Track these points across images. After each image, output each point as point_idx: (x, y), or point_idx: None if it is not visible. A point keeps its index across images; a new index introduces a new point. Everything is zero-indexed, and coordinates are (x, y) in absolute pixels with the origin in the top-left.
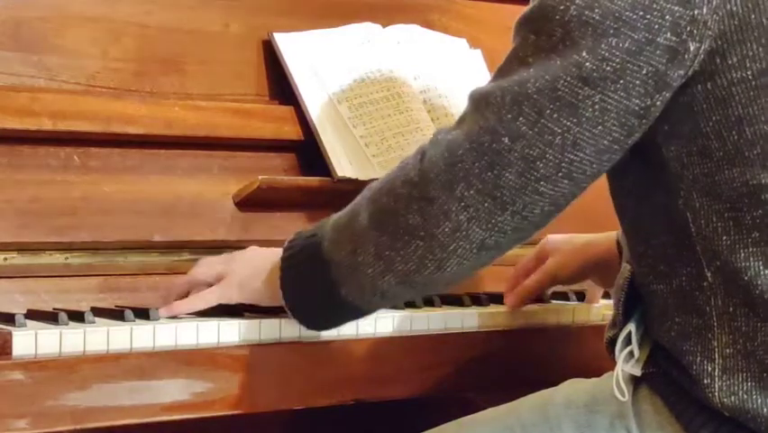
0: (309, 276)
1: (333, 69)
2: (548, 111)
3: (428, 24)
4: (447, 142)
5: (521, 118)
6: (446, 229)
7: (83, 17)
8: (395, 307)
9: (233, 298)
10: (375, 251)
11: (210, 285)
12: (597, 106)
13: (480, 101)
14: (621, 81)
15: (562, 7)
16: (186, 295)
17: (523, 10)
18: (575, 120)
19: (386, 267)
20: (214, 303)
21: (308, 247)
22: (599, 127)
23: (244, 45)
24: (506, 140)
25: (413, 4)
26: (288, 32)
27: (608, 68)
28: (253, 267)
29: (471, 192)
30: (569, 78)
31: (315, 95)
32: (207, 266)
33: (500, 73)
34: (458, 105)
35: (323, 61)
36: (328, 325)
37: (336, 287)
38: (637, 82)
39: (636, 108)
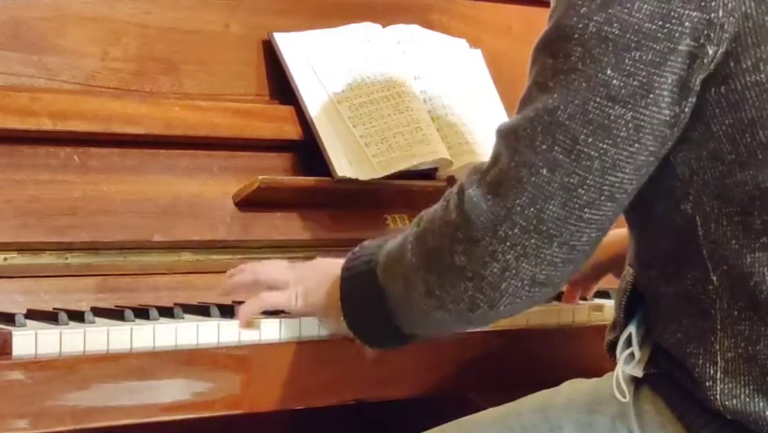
0: (367, 301)
1: (333, 69)
2: (582, 136)
3: (428, 24)
4: (487, 184)
5: (556, 147)
6: (495, 270)
7: (83, 17)
8: None
9: (297, 307)
10: (425, 289)
11: (270, 288)
12: (630, 125)
13: (509, 136)
14: (651, 95)
15: (580, 25)
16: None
17: (523, 10)
18: (610, 141)
19: (438, 304)
20: (278, 307)
21: (366, 273)
22: (636, 145)
23: (244, 45)
24: (544, 171)
25: (413, 4)
26: (288, 32)
27: (635, 82)
28: (318, 280)
29: (516, 231)
30: (598, 99)
31: (314, 95)
32: (274, 270)
33: (523, 104)
34: (458, 104)
35: (323, 61)
36: (388, 346)
37: (393, 317)
38: (665, 93)
39: (667, 119)
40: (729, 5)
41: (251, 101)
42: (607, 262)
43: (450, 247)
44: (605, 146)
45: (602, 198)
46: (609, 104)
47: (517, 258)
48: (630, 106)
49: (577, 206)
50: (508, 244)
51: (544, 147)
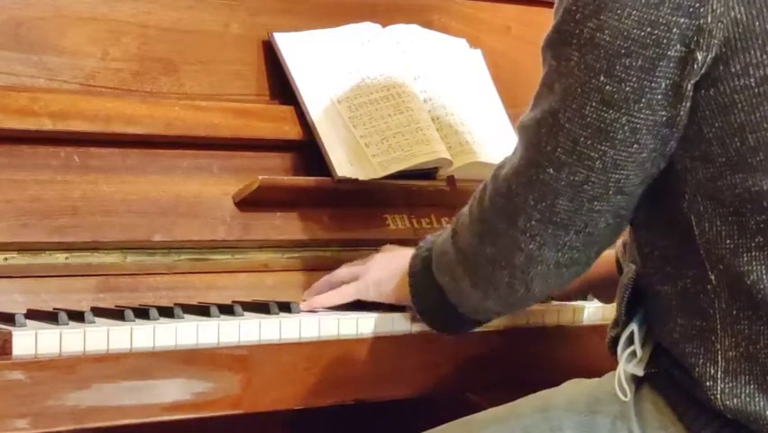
0: (431, 292)
1: (333, 69)
2: (582, 138)
3: (428, 24)
4: (503, 177)
5: (559, 148)
6: (521, 258)
7: (83, 17)
8: (395, 307)
9: (369, 295)
10: (470, 281)
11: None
12: (626, 128)
13: (522, 133)
14: (644, 100)
15: (576, 31)
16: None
17: (523, 10)
18: (608, 144)
19: (484, 294)
20: (351, 298)
21: (425, 269)
22: (635, 145)
23: (244, 45)
24: (551, 170)
25: (413, 4)
26: (288, 32)
27: (627, 88)
28: (389, 270)
29: (533, 223)
30: (594, 104)
31: (314, 95)
32: (346, 267)
33: (536, 101)
34: (458, 104)
35: (323, 61)
36: (458, 330)
37: (454, 306)
38: (659, 97)
39: (665, 120)
40: (718, 11)
41: (251, 101)
42: (585, 287)
43: (480, 241)
44: (604, 148)
45: (609, 192)
46: (604, 108)
47: (539, 247)
48: (624, 111)
49: (585, 199)
50: (528, 235)
51: (549, 148)
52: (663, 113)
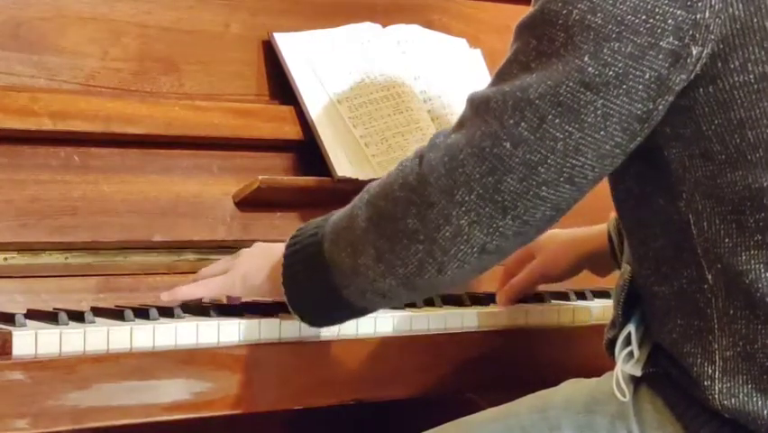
0: (310, 276)
1: (333, 69)
2: (550, 116)
3: (428, 24)
4: (447, 147)
5: (523, 123)
6: (447, 234)
7: (83, 17)
8: (395, 307)
9: (236, 290)
10: (375, 254)
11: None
12: (599, 112)
13: (480, 105)
14: (624, 86)
15: (564, 12)
16: None
17: (523, 10)
18: (577, 126)
19: (386, 270)
20: (215, 293)
21: (309, 246)
22: (602, 132)
23: (244, 45)
24: (507, 145)
25: (413, 4)
26: (288, 32)
27: (611, 72)
28: (257, 262)
29: (472, 197)
30: (571, 84)
31: (314, 95)
32: (217, 264)
33: (501, 77)
34: (458, 104)
35: (323, 61)
36: (330, 323)
37: (338, 289)
38: (640, 87)
39: (639, 113)
40: (716, 6)
41: (251, 101)
42: (582, 262)
43: (403, 210)
44: (570, 129)
45: (561, 179)
46: (581, 89)
47: (470, 224)
48: (602, 94)
49: (534, 183)
50: (463, 209)
51: (511, 122)
52: (640, 105)
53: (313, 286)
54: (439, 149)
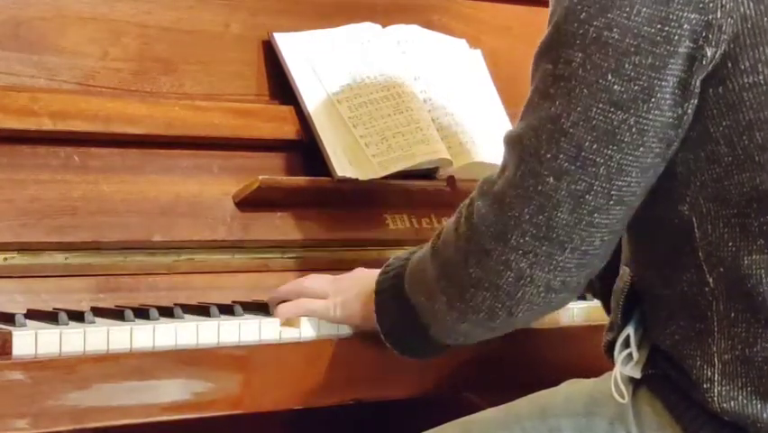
0: (399, 313)
1: (333, 69)
2: (587, 143)
3: (428, 24)
4: (494, 194)
5: (561, 155)
6: (510, 279)
7: (83, 17)
8: None
9: (336, 316)
10: (447, 301)
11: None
12: (634, 129)
13: (515, 145)
14: (653, 99)
15: (581, 31)
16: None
17: (523, 10)
18: (615, 147)
19: (460, 316)
20: (315, 316)
21: (396, 286)
22: (641, 148)
23: (244, 45)
24: (550, 180)
25: (413, 4)
26: (288, 32)
27: (637, 87)
28: (357, 292)
29: (527, 239)
30: (601, 105)
31: (314, 95)
32: (315, 281)
33: (527, 112)
34: (458, 105)
35: (323, 61)
36: (423, 355)
37: (424, 327)
38: (667, 96)
39: (671, 120)
40: (727, 6)
41: (251, 101)
42: None
43: (464, 259)
44: (610, 152)
45: (611, 202)
46: (612, 109)
47: (531, 266)
48: (633, 111)
49: (585, 212)
50: (520, 252)
51: (549, 156)
52: (670, 113)
53: (403, 323)
54: (487, 196)
